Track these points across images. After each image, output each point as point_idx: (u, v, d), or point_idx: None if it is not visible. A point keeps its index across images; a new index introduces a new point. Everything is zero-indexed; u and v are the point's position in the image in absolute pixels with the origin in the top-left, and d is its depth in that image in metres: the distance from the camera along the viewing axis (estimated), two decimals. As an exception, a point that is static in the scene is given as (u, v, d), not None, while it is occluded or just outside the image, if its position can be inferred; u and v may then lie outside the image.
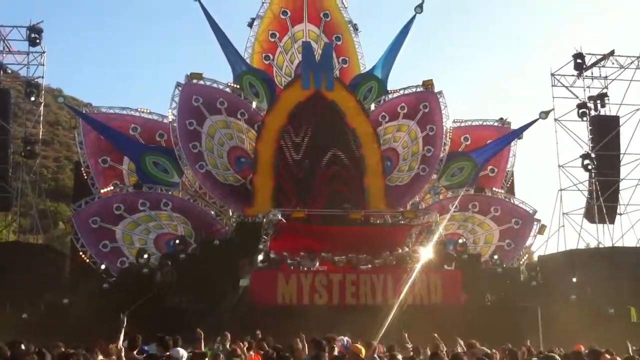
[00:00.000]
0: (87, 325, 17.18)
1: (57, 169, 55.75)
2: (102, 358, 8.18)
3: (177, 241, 24.71)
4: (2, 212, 30.78)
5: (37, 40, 29.70)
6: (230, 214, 27.68)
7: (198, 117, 27.58)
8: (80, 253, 25.26)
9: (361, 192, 26.98)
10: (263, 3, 31.69)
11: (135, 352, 9.52)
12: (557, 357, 8.63)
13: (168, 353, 9.53)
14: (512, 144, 30.96)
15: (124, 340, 9.57)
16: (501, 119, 31.59)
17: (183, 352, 10.31)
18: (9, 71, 31.42)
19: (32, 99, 29.98)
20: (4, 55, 30.09)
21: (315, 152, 27.31)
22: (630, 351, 11.88)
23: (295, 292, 20.03)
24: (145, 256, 23.58)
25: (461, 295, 20.84)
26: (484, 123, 31.51)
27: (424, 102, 30.00)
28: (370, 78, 31.09)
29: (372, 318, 16.63)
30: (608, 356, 7.39)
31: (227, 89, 28.99)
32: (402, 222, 25.10)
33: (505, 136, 30.64)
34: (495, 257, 26.38)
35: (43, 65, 29.94)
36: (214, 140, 27.77)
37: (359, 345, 10.64)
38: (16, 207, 29.12)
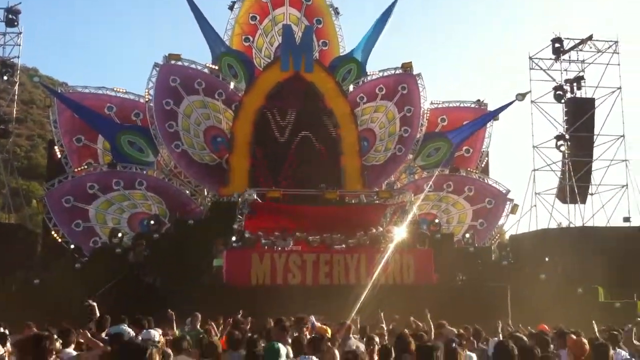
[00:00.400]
0: (59, 305, 17.18)
1: (31, 148, 55.08)
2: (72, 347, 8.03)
3: (152, 221, 24.59)
4: (-26, 191, 30.49)
5: (15, 22, 29.42)
6: (206, 193, 27.63)
7: (175, 97, 27.42)
8: (53, 232, 25.10)
9: (337, 172, 27.05)
10: (245, -14, 31.37)
11: (103, 334, 9.42)
12: (523, 337, 8.75)
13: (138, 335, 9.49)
14: (488, 125, 31.17)
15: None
16: (478, 100, 31.75)
17: (155, 333, 10.28)
18: (-16, 51, 30.96)
19: (6, 78, 29.67)
20: (-20, 36, 29.66)
21: (292, 132, 27.33)
22: (596, 331, 12.04)
23: (269, 272, 19.99)
24: (119, 235, 23.49)
25: (433, 274, 20.96)
26: (461, 105, 31.68)
27: (402, 84, 30.05)
28: (350, 60, 31.05)
29: (345, 298, 16.76)
30: (574, 337, 7.48)
31: (206, 70, 28.84)
32: (377, 201, 25.23)
33: (481, 117, 30.83)
34: (467, 235, 26.64)
35: (19, 45, 29.69)
36: (190, 119, 27.64)
37: (324, 326, 10.74)
38: (-12, 186, 28.85)
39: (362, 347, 9.98)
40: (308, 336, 9.46)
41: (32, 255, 25.40)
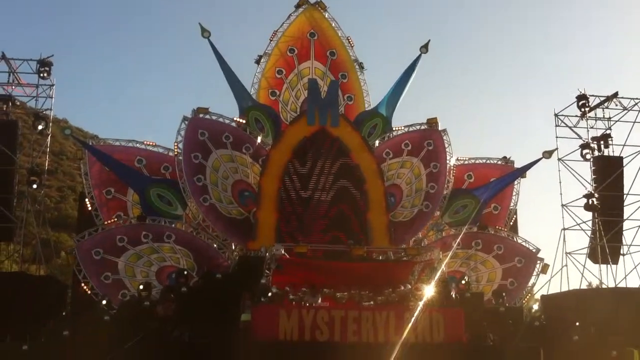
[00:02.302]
0: (88, 357, 17.18)
1: (60, 199, 55.84)
2: None
3: (180, 274, 24.64)
4: (4, 242, 30.77)
5: (47, 74, 30.06)
6: (233, 247, 27.67)
7: (203, 150, 27.80)
8: (82, 284, 25.21)
9: (365, 228, 27.02)
10: (270, 41, 32.05)
11: None
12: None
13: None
14: (516, 182, 31.09)
15: None
16: (505, 157, 31.80)
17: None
18: (18, 103, 31.72)
19: (40, 129, 30.21)
20: (14, 87, 30.42)
21: (319, 188, 27.46)
22: None
23: (296, 328, 19.82)
24: (143, 287, 23.54)
25: (463, 334, 20.67)
26: (488, 161, 31.71)
27: (428, 140, 30.24)
28: (375, 115, 31.36)
29: (374, 356, 16.59)
30: None
31: (233, 124, 29.25)
32: (405, 258, 25.07)
33: (509, 174, 30.80)
34: (503, 295, 26.25)
35: (52, 97, 30.24)
36: (218, 173, 27.95)
37: None
38: (19, 237, 29.12)
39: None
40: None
41: (61, 307, 25.44)
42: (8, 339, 20.89)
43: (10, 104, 30.07)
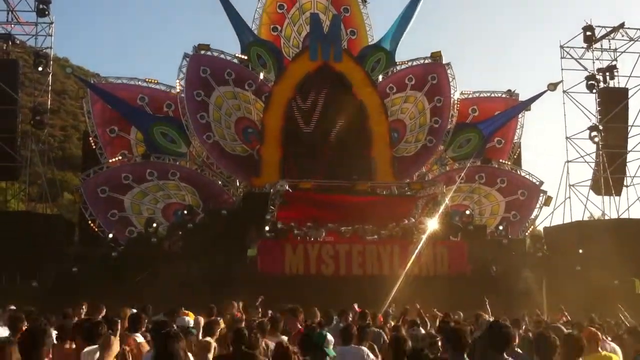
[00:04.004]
0: (97, 293, 17.47)
1: (64, 138, 55.77)
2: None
3: (185, 211, 24.85)
4: (11, 181, 30.93)
5: (45, 11, 29.57)
6: (238, 184, 27.81)
7: (206, 88, 27.60)
8: (89, 222, 25.48)
9: (368, 163, 27.03)
10: (271, -25, 31.38)
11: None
12: (562, 327, 8.72)
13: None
14: (520, 115, 30.95)
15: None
16: (509, 90, 31.53)
17: (189, 320, 10.45)
18: (17, 42, 31.31)
19: (40, 69, 29.95)
20: (13, 26, 29.95)
21: (322, 123, 27.34)
22: (622, 318, 12.08)
23: (302, 262, 20.19)
24: (154, 225, 23.80)
25: (467, 266, 20.98)
26: (492, 95, 31.49)
27: (432, 74, 29.95)
28: (379, 50, 30.96)
29: (379, 289, 16.86)
30: (592, 329, 7.42)
31: (235, 60, 28.94)
32: (409, 193, 25.21)
33: (513, 108, 30.62)
34: (501, 227, 26.49)
35: (51, 35, 29.83)
36: (221, 111, 27.81)
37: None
38: (25, 177, 29.26)
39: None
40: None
41: (69, 245, 25.77)
42: (18, 276, 21.24)
43: (10, 42, 29.73)
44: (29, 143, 29.30)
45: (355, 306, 12.14)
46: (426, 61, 30.41)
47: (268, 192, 23.36)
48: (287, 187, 22.59)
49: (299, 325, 8.70)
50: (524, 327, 10.60)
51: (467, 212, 26.90)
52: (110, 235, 24.33)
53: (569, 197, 30.74)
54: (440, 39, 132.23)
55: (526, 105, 30.66)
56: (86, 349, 5.11)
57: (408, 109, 29.75)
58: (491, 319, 10.49)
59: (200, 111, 27.35)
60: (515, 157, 31.03)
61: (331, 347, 7.00)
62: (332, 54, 27.71)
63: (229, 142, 27.64)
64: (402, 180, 26.97)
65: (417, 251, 20.08)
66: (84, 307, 11.45)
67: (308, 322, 10.85)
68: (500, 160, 29.94)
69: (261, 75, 28.90)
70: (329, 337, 6.94)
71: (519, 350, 7.26)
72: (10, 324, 7.40)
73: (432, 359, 5.25)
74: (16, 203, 31.56)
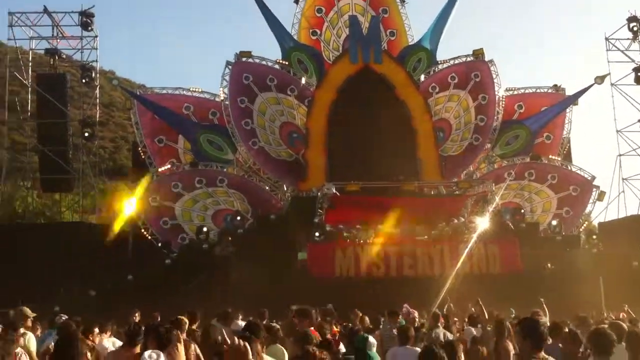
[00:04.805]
0: (152, 300, 17.77)
1: (114, 149, 57.04)
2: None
3: (235, 217, 25.13)
4: (64, 192, 31.79)
5: (89, 25, 30.30)
6: (285, 189, 27.98)
7: (249, 94, 27.87)
8: (142, 230, 25.97)
9: (414, 164, 26.89)
10: (308, -21, 31.55)
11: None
12: (623, 325, 8.52)
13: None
14: (568, 110, 30.44)
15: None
16: (555, 85, 31.07)
17: (242, 324, 10.54)
18: (64, 56, 32.20)
19: (84, 81, 30.71)
20: (59, 40, 30.82)
21: (365, 125, 27.24)
22: None
23: (352, 265, 20.24)
24: (204, 230, 24.15)
25: (520, 264, 20.69)
26: (538, 90, 31.02)
27: (474, 72, 29.70)
28: (419, 49, 30.83)
29: (431, 288, 16.76)
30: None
31: (276, 66, 29.18)
32: (457, 192, 25.02)
33: (560, 102, 30.17)
34: (554, 223, 26.03)
35: (96, 49, 30.56)
36: (265, 116, 28.05)
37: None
38: (78, 188, 30.01)
39: (449, 336, 10.06)
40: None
41: (123, 253, 26.28)
42: (75, 286, 21.69)
43: (57, 57, 30.60)
44: (80, 155, 30.07)
45: (407, 307, 12.11)
46: (468, 59, 30.17)
47: (315, 195, 23.46)
48: (334, 190, 22.63)
49: (311, 327, 8.66)
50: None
51: (521, 210, 26.48)
52: (161, 244, 24.70)
53: (623, 191, 30.10)
54: (481, 35, 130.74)
55: (573, 99, 30.14)
56: (146, 353, 5.21)
57: (452, 107, 29.55)
58: (547, 319, 10.36)
59: (245, 118, 27.63)
60: (565, 152, 30.50)
61: (374, 349, 7.00)
62: (372, 55, 27.70)
63: (274, 148, 27.86)
64: (449, 179, 26.77)
65: (467, 250, 19.91)
66: (137, 314, 11.70)
67: (356, 325, 10.91)
68: (550, 156, 29.44)
69: (303, 80, 29.07)
70: (371, 339, 6.93)
71: None
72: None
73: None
74: (70, 214, 32.34)
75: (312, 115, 27.31)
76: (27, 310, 8.44)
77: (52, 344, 8.04)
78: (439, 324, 10.61)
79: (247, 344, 3.63)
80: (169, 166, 27.40)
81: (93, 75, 30.82)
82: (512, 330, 8.04)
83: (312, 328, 8.56)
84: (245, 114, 27.67)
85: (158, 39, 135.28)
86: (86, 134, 29.48)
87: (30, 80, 30.60)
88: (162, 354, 5.32)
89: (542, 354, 5.02)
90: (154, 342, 5.82)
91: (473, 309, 12.08)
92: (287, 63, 29.54)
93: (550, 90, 30.93)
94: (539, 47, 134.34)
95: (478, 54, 30.00)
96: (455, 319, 12.85)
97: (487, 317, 11.07)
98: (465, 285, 17.20)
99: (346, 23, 30.39)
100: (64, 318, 10.18)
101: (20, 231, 27.15)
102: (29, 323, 8.53)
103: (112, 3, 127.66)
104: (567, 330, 8.44)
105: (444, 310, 13.50)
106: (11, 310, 14.96)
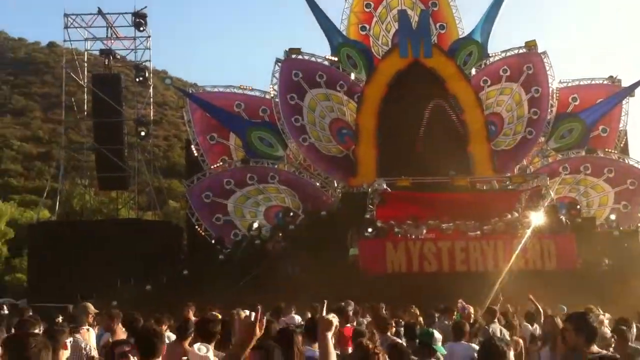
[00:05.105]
0: (206, 295, 18.10)
1: (168, 147, 58.29)
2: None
3: (288, 213, 25.37)
4: (121, 190, 32.63)
5: (142, 26, 30.97)
6: (335, 185, 28.08)
7: (298, 91, 28.05)
8: (196, 227, 26.43)
9: (466, 159, 26.63)
10: (356, -26, 31.47)
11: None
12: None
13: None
14: (624, 102, 29.64)
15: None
16: (611, 77, 30.28)
17: (299, 318, 10.66)
18: (118, 56, 33.03)
19: (138, 80, 31.41)
20: (113, 41, 31.63)
21: (416, 120, 27.14)
22: None
23: (404, 260, 20.14)
24: (255, 226, 24.44)
25: (576, 259, 20.27)
26: (593, 82, 30.29)
27: (527, 64, 29.22)
28: (470, 42, 30.44)
29: (484, 285, 16.60)
30: None
31: (326, 62, 29.28)
32: (510, 187, 24.66)
33: (615, 94, 29.42)
34: (613, 217, 25.40)
35: (149, 48, 31.24)
36: (315, 113, 28.19)
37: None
38: (133, 186, 30.76)
39: (506, 333, 9.96)
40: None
41: (178, 249, 26.87)
42: (132, 280, 22.31)
43: (111, 58, 31.40)
44: (136, 154, 30.83)
45: (462, 302, 12.03)
46: (520, 51, 29.66)
47: (366, 191, 23.44)
48: (384, 186, 22.59)
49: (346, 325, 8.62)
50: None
51: (577, 206, 25.94)
52: (214, 240, 25.11)
53: (684, 185, 29.06)
54: (533, 27, 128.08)
55: (630, 91, 29.37)
56: (196, 345, 5.33)
57: (504, 101, 29.12)
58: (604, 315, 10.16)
59: (295, 114, 27.82)
60: (622, 145, 29.72)
61: (439, 344, 6.92)
62: (422, 49, 27.50)
63: (325, 144, 27.97)
64: (502, 174, 26.40)
65: (522, 246, 19.61)
66: (192, 309, 11.93)
67: (410, 320, 10.89)
68: (606, 149, 28.74)
69: (352, 76, 29.08)
70: (437, 334, 6.88)
71: None
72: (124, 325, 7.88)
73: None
74: (127, 211, 33.17)
75: (362, 111, 27.31)
76: (90, 306, 8.53)
77: (110, 338, 8.28)
78: (495, 320, 10.53)
79: (256, 317, 3.68)
80: (221, 163, 27.83)
81: (146, 74, 31.48)
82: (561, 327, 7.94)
83: (348, 325, 8.61)
84: (295, 111, 27.87)
85: (208, 37, 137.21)
86: (142, 133, 30.17)
87: (85, 81, 31.48)
88: (210, 347, 5.43)
89: (595, 347, 4.97)
90: (204, 336, 5.96)
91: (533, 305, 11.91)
92: (336, 59, 29.57)
93: (605, 82, 30.17)
94: (591, 38, 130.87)
95: (531, 45, 29.49)
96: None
97: (542, 313, 10.92)
98: (519, 282, 16.93)
99: (395, 17, 30.21)
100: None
101: (79, 228, 28.06)
102: (90, 319, 8.63)
103: (164, 3, 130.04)
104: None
105: (497, 306, 13.39)
106: (71, 305, 15.53)
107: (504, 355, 4.37)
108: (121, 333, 7.89)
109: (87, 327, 8.28)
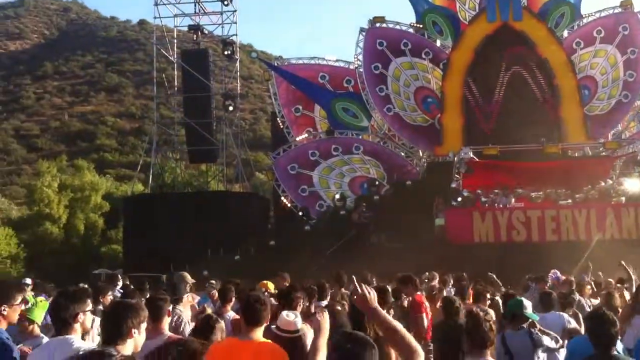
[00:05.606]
0: (293, 265, 18.48)
1: (254, 121, 59.34)
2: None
3: (373, 183, 25.40)
4: (209, 163, 33.58)
5: (228, 0, 31.43)
6: (421, 154, 27.83)
7: (383, 60, 27.80)
8: (282, 198, 26.93)
9: (557, 124, 25.71)
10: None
11: None
12: None
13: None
14: None
15: None
16: None
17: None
18: (206, 32, 33.73)
19: (226, 53, 31.97)
20: (201, 16, 32.32)
21: (505, 86, 26.39)
22: None
23: (491, 230, 19.83)
24: (340, 197, 24.64)
25: (677, 228, 19.32)
26: (695, 41, 28.41)
27: (623, 24, 27.76)
28: (562, 3, 29.08)
29: (575, 254, 16.16)
30: None
31: (411, 30, 28.86)
32: (604, 153, 23.69)
33: None
34: None
35: (235, 23, 31.71)
36: (399, 82, 27.89)
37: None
38: (222, 159, 31.56)
39: (595, 303, 9.67)
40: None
41: (266, 220, 27.47)
42: (221, 251, 23.04)
43: (199, 33, 32.13)
44: (223, 127, 31.57)
45: (556, 272, 11.75)
46: (615, 11, 28.21)
47: (452, 160, 23.13)
48: (471, 155, 22.18)
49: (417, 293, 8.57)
50: None
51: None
52: (301, 211, 25.51)
53: None
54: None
55: None
56: (284, 312, 5.49)
57: (598, 63, 27.81)
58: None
59: (379, 84, 27.64)
60: None
61: (530, 310, 6.87)
62: (511, 13, 26.58)
63: (409, 113, 27.68)
64: (596, 140, 25.36)
65: (616, 214, 18.89)
66: (287, 279, 12.12)
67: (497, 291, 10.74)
68: None
69: (438, 43, 28.54)
70: (526, 302, 6.82)
71: None
72: (220, 294, 8.05)
73: None
74: (215, 183, 34.12)
75: (448, 77, 26.78)
76: (187, 276, 8.57)
77: (206, 305, 8.56)
78: (586, 290, 10.29)
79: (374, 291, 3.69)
80: (306, 135, 28.12)
81: (233, 49, 32.02)
82: None
83: (418, 293, 8.61)
84: (379, 80, 27.69)
85: (292, 10, 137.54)
86: (229, 107, 30.84)
87: (175, 57, 32.39)
88: (299, 314, 5.59)
89: None
90: (289, 305, 6.13)
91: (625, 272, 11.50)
92: (421, 26, 29.05)
93: None
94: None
95: (626, 5, 28.00)
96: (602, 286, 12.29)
97: (635, 281, 10.52)
98: (613, 251, 16.38)
99: (482, -20, 29.29)
100: (212, 282, 10.79)
101: (170, 201, 29.13)
102: (187, 288, 8.53)
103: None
104: None
105: (588, 276, 13.02)
106: (164, 275, 16.19)
107: (614, 323, 4.58)
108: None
109: (187, 295, 8.20)
